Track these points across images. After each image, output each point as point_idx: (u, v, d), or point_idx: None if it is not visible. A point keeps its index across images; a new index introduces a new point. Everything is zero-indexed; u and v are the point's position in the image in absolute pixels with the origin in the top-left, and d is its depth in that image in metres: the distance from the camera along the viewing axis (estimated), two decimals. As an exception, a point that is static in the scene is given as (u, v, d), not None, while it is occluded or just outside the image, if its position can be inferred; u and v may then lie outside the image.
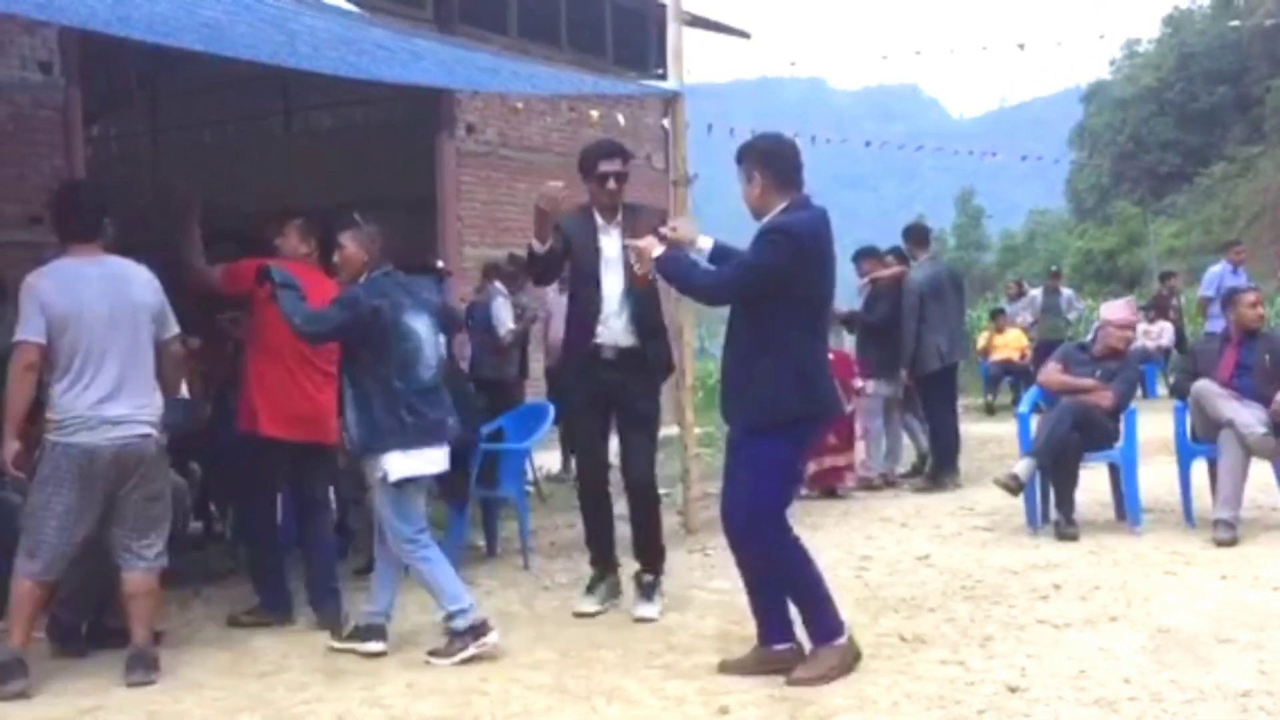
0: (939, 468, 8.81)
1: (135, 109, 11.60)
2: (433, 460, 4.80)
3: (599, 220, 5.30)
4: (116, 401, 4.44)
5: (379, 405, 4.68)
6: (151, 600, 4.64)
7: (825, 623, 4.31)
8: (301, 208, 5.76)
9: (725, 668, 4.40)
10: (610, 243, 5.24)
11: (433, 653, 4.69)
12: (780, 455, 4.30)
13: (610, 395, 5.28)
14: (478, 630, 4.66)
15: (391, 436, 4.67)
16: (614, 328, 5.24)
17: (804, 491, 8.37)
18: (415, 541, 4.76)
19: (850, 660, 4.30)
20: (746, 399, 4.30)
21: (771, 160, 4.36)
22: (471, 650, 4.62)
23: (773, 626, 4.39)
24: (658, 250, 4.45)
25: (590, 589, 5.45)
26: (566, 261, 5.35)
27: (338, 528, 7.00)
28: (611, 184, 5.24)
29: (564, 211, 5.22)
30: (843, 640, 4.31)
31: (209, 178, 12.11)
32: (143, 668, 4.49)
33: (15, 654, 4.38)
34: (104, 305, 4.47)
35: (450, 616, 4.68)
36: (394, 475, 4.69)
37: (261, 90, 12.87)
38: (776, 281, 4.20)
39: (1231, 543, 6.20)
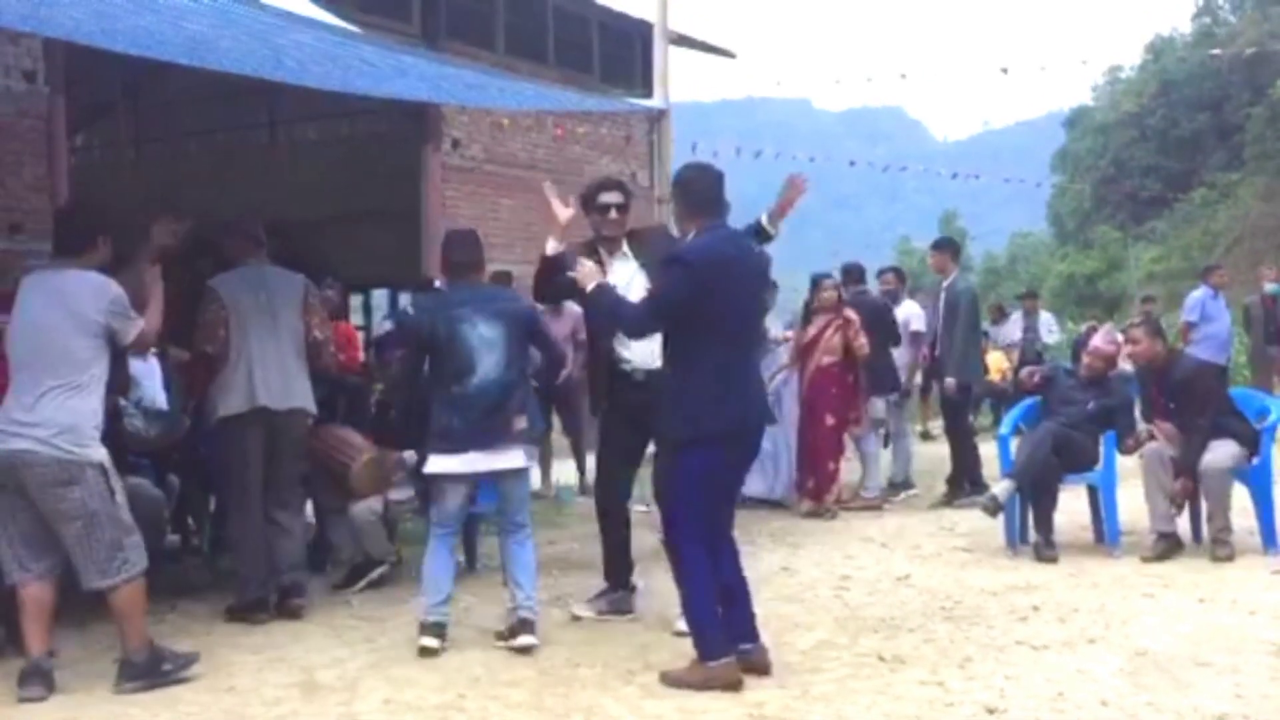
0: (960, 484, 8.80)
1: (119, 119, 11.58)
2: (472, 461, 5.03)
3: (603, 253, 5.37)
4: (17, 411, 4.42)
5: (436, 409, 5.05)
6: (120, 612, 4.51)
7: (703, 644, 4.43)
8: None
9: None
10: (617, 271, 5.28)
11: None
12: (689, 470, 4.47)
13: (640, 416, 5.22)
14: (424, 628, 5.01)
15: (439, 440, 5.02)
16: (639, 350, 5.25)
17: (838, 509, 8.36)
18: (432, 531, 5.19)
19: (721, 684, 4.34)
20: (665, 416, 4.56)
21: (683, 190, 4.67)
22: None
23: (735, 630, 4.52)
24: (591, 283, 4.66)
25: (594, 597, 5.55)
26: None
27: (316, 541, 6.99)
28: (613, 214, 5.38)
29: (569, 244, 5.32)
30: (714, 665, 4.38)
31: (193, 189, 12.10)
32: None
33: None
34: (28, 317, 4.52)
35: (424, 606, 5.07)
36: (426, 469, 5.11)
37: (246, 102, 12.84)
38: (683, 309, 4.43)
39: (1162, 556, 6.41)
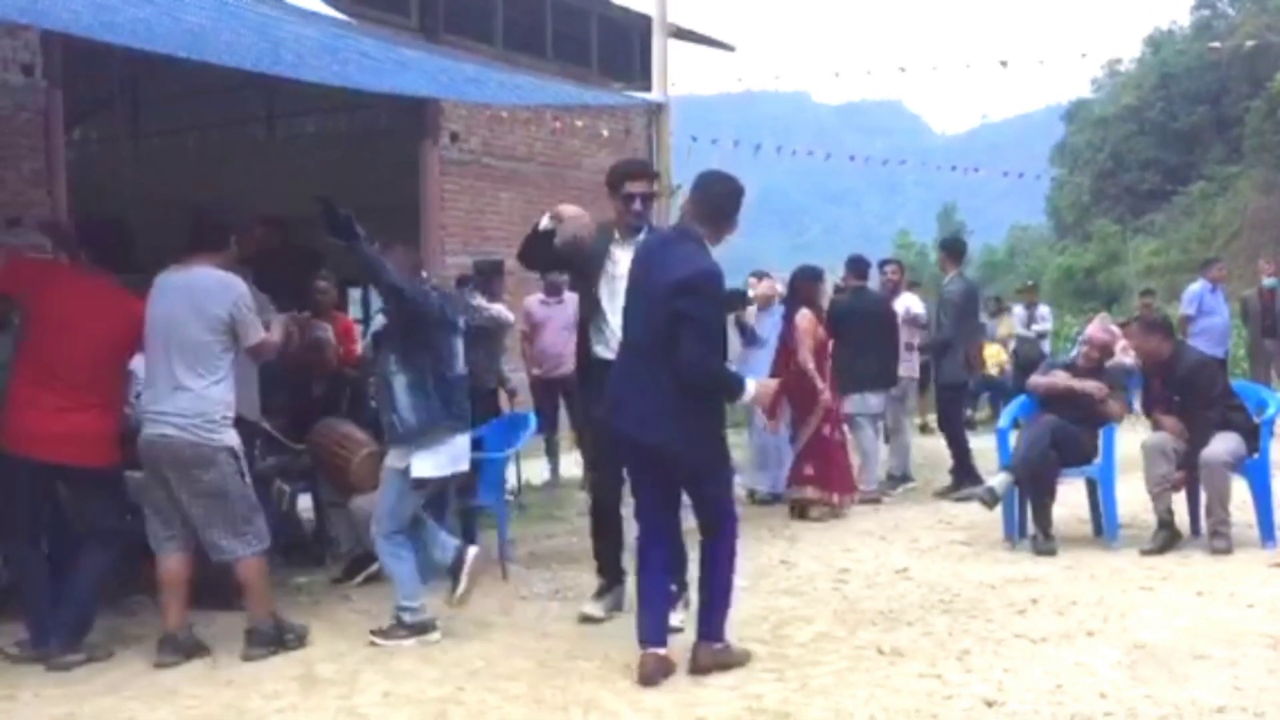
0: (963, 479, 8.81)
1: (117, 113, 11.55)
2: (460, 453, 5.19)
3: (615, 235, 5.29)
4: (156, 401, 4.79)
5: (436, 392, 5.06)
6: (246, 583, 4.91)
7: (640, 627, 4.50)
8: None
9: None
10: (623, 258, 5.09)
11: (374, 631, 5.10)
12: None
13: None
14: (422, 628, 5.07)
15: (444, 421, 5.05)
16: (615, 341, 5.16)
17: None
18: (389, 537, 5.14)
19: (649, 674, 4.36)
20: None
21: (691, 191, 4.69)
22: (408, 644, 5.00)
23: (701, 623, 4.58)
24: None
25: (598, 595, 5.47)
26: (566, 264, 5.48)
27: (316, 535, 7.00)
28: (637, 205, 5.27)
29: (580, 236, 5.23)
30: (642, 653, 4.43)
31: (191, 183, 12.09)
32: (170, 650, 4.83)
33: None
34: (161, 311, 4.81)
35: (401, 609, 5.08)
36: (416, 472, 5.05)
37: (245, 96, 12.83)
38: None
39: (1161, 549, 6.44)
